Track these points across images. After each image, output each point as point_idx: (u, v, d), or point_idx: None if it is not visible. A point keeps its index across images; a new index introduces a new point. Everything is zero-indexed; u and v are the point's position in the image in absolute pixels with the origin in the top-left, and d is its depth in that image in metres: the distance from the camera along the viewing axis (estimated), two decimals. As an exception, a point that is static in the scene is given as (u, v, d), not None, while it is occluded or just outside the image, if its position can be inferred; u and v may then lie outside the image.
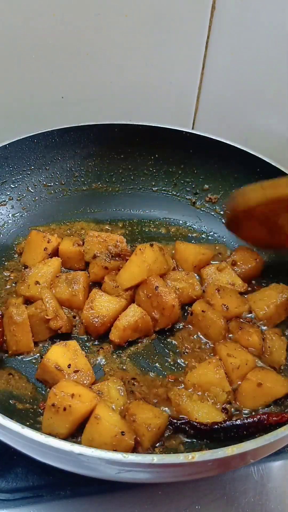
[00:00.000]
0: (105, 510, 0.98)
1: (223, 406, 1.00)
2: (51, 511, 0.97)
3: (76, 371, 1.02)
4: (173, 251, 1.34)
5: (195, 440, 0.95)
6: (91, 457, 0.71)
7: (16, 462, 1.01)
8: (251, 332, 1.11)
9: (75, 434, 0.94)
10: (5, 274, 1.27)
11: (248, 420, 0.92)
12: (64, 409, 0.91)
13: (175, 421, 0.96)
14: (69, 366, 1.02)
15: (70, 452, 0.71)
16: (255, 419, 0.91)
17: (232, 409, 1.00)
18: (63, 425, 0.92)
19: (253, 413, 0.99)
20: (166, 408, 1.00)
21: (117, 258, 1.28)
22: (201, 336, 1.15)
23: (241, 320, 1.16)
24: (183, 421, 0.95)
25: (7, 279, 1.26)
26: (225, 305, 1.16)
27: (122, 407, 0.99)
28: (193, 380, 1.02)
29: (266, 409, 1.01)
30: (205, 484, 1.02)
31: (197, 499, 1.00)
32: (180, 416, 0.98)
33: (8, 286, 1.24)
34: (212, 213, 1.46)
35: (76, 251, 1.28)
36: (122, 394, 1.02)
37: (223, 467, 0.85)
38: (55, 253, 1.29)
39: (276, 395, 1.01)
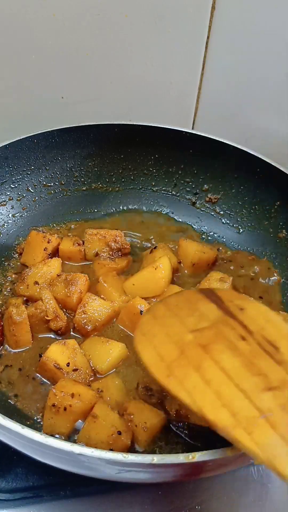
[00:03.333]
0: (105, 510, 0.97)
1: None
2: (51, 511, 0.97)
3: (75, 370, 1.02)
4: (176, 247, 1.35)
5: (191, 443, 0.95)
6: (91, 457, 0.71)
7: (16, 462, 1.01)
8: None
9: (76, 433, 0.94)
10: (5, 274, 1.27)
11: None
12: (65, 409, 0.91)
13: (173, 423, 0.96)
14: (68, 364, 1.02)
15: (70, 452, 0.71)
16: None
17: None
18: (64, 425, 0.92)
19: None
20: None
21: (119, 253, 1.30)
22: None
23: None
24: (180, 423, 0.95)
25: (7, 279, 1.26)
26: None
27: (121, 405, 0.99)
28: None
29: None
30: (205, 484, 1.02)
31: (197, 499, 1.00)
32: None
33: (8, 286, 1.24)
34: (212, 213, 1.46)
35: (76, 251, 1.28)
36: (122, 391, 1.02)
37: (223, 467, 0.85)
38: (55, 253, 1.30)
39: None
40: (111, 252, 1.29)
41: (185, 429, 0.95)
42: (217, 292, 0.89)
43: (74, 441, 0.92)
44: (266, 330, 0.78)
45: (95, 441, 0.89)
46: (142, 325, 0.86)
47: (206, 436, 0.92)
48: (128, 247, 1.32)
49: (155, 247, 1.30)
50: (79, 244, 1.29)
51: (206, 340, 0.78)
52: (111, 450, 0.85)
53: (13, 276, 1.27)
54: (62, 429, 0.93)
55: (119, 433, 0.88)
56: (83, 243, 1.30)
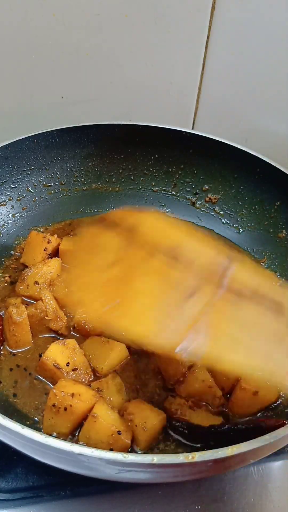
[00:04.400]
0: (105, 510, 0.97)
1: (219, 409, 0.99)
2: (51, 511, 0.97)
3: (74, 370, 1.02)
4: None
5: (191, 444, 0.95)
6: (91, 457, 0.71)
7: (16, 462, 1.01)
8: None
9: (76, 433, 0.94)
10: (4, 274, 1.27)
11: (246, 426, 0.90)
12: (65, 409, 0.91)
13: (174, 422, 0.96)
14: (67, 364, 1.02)
15: (70, 452, 0.71)
16: (251, 425, 0.90)
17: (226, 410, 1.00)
18: (65, 425, 0.92)
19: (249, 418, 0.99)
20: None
21: None
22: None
23: None
24: (180, 423, 0.95)
25: (7, 279, 1.26)
26: None
27: (121, 405, 0.99)
28: (181, 392, 1.01)
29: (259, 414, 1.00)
30: (205, 484, 1.02)
31: (197, 499, 0.99)
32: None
33: (7, 286, 1.24)
34: (212, 213, 1.46)
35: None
36: (122, 391, 1.02)
37: (223, 467, 0.85)
38: (55, 253, 1.29)
39: (270, 401, 1.00)
40: None
41: (185, 429, 0.95)
42: (108, 216, 0.89)
43: (75, 441, 0.93)
44: (164, 241, 0.79)
45: (95, 440, 0.89)
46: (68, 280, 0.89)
47: (206, 436, 0.92)
48: None
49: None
50: None
51: (121, 274, 0.79)
52: (111, 450, 0.86)
53: (13, 276, 1.27)
54: (63, 429, 0.93)
55: (119, 432, 0.88)
56: None
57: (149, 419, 0.93)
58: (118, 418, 0.92)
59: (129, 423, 0.93)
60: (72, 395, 0.92)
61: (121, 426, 0.90)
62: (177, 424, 0.95)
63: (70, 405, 0.91)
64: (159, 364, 1.07)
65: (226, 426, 0.92)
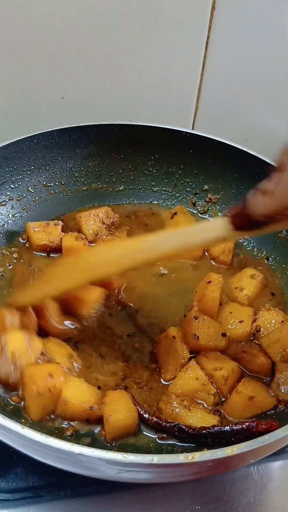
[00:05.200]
0: (105, 510, 0.98)
1: (215, 408, 0.99)
2: (51, 511, 0.97)
3: None
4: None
5: (189, 444, 0.94)
6: (91, 457, 0.71)
7: (16, 462, 1.01)
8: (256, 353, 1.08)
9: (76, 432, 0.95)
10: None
11: (237, 427, 0.89)
12: (49, 390, 0.93)
13: (164, 423, 0.95)
14: None
15: (70, 452, 0.71)
16: (243, 426, 0.89)
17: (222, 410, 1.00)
18: (54, 402, 0.94)
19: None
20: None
21: (113, 227, 1.36)
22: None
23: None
24: (171, 424, 0.94)
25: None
26: (196, 335, 1.06)
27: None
28: (176, 390, 1.00)
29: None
30: (205, 484, 1.02)
31: (197, 499, 1.00)
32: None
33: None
34: (212, 213, 1.46)
35: (80, 245, 1.28)
36: (73, 356, 1.05)
37: (223, 467, 0.85)
38: (59, 250, 1.30)
39: (266, 408, 0.99)
40: (107, 228, 1.34)
41: (175, 429, 0.94)
42: None
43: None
44: None
45: (72, 417, 0.94)
46: None
47: (203, 436, 0.92)
48: (118, 218, 1.37)
49: (175, 213, 1.37)
50: (82, 238, 1.29)
51: None
52: (87, 421, 0.94)
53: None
54: (51, 407, 0.95)
55: (92, 408, 0.93)
56: (84, 236, 1.31)
57: (116, 413, 0.94)
58: (87, 390, 0.96)
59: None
60: (49, 375, 0.94)
61: (91, 399, 0.94)
62: (167, 424, 0.94)
63: (54, 384, 0.93)
64: (158, 356, 1.08)
65: (217, 428, 0.91)
